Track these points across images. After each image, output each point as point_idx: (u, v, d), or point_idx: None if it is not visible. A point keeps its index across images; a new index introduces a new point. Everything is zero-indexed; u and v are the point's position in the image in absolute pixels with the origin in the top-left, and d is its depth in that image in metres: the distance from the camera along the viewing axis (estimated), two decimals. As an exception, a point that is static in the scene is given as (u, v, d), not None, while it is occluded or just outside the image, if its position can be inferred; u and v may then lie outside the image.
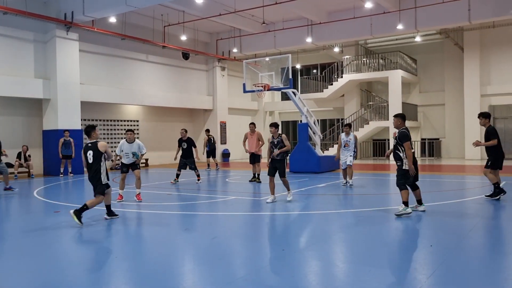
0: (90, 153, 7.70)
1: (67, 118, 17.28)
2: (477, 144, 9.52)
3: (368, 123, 24.01)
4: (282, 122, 30.76)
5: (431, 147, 24.49)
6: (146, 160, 21.82)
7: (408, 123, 23.72)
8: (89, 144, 7.80)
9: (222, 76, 25.64)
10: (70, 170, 17.02)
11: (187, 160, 13.63)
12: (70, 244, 6.66)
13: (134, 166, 10.29)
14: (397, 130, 8.14)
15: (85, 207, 7.56)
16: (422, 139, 25.06)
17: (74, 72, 17.68)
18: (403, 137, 7.91)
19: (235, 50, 24.09)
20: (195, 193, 11.86)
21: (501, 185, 9.48)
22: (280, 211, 9.04)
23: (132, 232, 7.34)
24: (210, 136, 19.33)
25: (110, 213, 8.07)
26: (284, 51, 22.93)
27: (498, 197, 9.29)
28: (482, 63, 22.62)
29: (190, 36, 23.10)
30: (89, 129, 7.89)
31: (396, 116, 8.22)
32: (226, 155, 25.31)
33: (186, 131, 13.78)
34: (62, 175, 16.72)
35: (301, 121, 17.64)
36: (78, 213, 7.46)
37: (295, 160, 16.76)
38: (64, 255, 5.95)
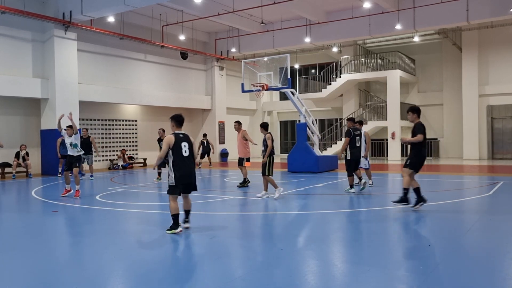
0: (185, 145, 6.69)
1: (65, 118, 17.20)
2: None
3: (366, 123, 24.00)
4: (280, 122, 30.78)
5: (429, 147, 24.46)
6: (145, 159, 21.80)
7: (406, 123, 23.95)
8: (181, 135, 6.75)
9: (221, 75, 25.63)
10: (68, 169, 16.96)
11: (164, 159, 13.71)
12: (68, 244, 6.65)
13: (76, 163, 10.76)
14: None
15: (189, 212, 7.02)
16: (420, 139, 25.04)
17: (72, 72, 17.65)
18: (345, 134, 10.83)
19: (233, 49, 24.07)
20: (192, 192, 11.82)
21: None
22: (278, 210, 9.04)
23: (130, 232, 7.32)
24: (202, 140, 20.33)
25: (176, 223, 6.75)
26: (283, 51, 22.95)
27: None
28: (480, 63, 22.65)
29: (189, 35, 23.08)
30: (182, 118, 6.89)
31: (347, 119, 11.49)
32: (224, 155, 25.30)
33: (163, 131, 14.00)
34: (60, 175, 16.69)
35: (299, 121, 17.64)
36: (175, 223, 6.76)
37: (294, 160, 16.76)
38: (62, 255, 5.94)
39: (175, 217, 6.67)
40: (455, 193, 11.03)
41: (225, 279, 4.69)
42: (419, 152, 8.18)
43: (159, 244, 6.25)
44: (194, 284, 4.61)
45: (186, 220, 6.97)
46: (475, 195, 10.43)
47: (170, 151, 6.70)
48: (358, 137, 10.83)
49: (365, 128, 13.44)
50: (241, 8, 19.02)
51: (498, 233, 6.62)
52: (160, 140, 13.95)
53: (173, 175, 6.72)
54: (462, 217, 8.01)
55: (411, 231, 6.91)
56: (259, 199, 9.95)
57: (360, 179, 12.29)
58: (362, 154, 11.70)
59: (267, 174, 9.92)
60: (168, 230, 6.71)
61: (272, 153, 10.01)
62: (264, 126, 10.34)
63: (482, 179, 13.86)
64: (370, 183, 12.08)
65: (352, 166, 10.73)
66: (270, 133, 10.22)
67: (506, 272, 4.80)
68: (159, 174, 14.12)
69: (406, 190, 8.09)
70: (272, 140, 10.10)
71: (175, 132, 6.80)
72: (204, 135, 21.14)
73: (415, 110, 8.42)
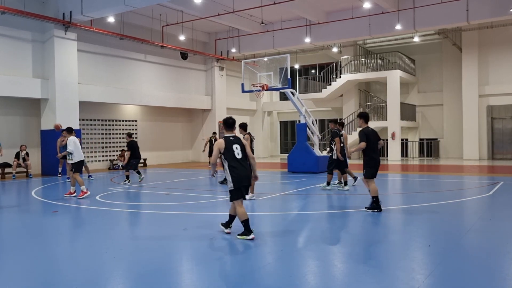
0: (237, 147, 6.47)
1: (65, 118, 17.24)
2: None
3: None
4: (280, 122, 30.80)
5: (430, 147, 24.51)
6: (145, 160, 21.79)
7: (406, 123, 24.04)
8: (231, 138, 6.58)
9: (221, 76, 25.64)
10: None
11: (134, 160, 14.09)
12: (68, 244, 6.65)
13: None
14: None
15: (234, 217, 6.72)
16: (420, 139, 25.09)
17: (72, 72, 17.66)
18: (333, 135, 11.42)
19: (233, 50, 24.08)
20: (193, 193, 11.83)
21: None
22: (278, 211, 9.04)
23: (130, 232, 7.32)
24: (211, 138, 20.74)
25: (248, 229, 6.40)
26: (283, 51, 22.96)
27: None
28: (480, 64, 22.66)
29: (189, 36, 23.09)
30: (231, 121, 6.76)
31: (330, 121, 12.27)
32: (224, 155, 25.34)
33: (130, 136, 14.14)
34: (60, 175, 16.68)
35: (299, 121, 17.64)
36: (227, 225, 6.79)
37: (294, 160, 16.77)
38: (62, 255, 5.94)
39: (246, 222, 6.37)
40: (455, 193, 11.03)
41: (225, 279, 4.69)
42: (370, 159, 8.33)
43: (159, 244, 6.24)
44: (194, 285, 4.61)
45: (229, 226, 6.69)
46: (475, 195, 10.43)
47: (223, 156, 6.45)
48: (341, 137, 11.53)
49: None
50: (241, 8, 19.03)
51: (498, 233, 6.62)
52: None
53: (230, 179, 6.40)
54: (462, 217, 8.01)
55: (411, 231, 6.90)
56: (257, 199, 9.95)
57: (356, 179, 12.29)
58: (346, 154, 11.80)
59: None
60: (239, 235, 6.43)
61: None
62: (243, 127, 10.10)
63: (482, 179, 13.86)
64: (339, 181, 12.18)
65: (335, 165, 11.39)
66: (249, 133, 10.16)
67: (506, 272, 4.79)
68: (139, 173, 14.09)
69: (375, 198, 8.25)
70: (251, 141, 10.05)
71: (225, 135, 6.63)
72: (214, 133, 21.86)
73: (362, 116, 8.61)
